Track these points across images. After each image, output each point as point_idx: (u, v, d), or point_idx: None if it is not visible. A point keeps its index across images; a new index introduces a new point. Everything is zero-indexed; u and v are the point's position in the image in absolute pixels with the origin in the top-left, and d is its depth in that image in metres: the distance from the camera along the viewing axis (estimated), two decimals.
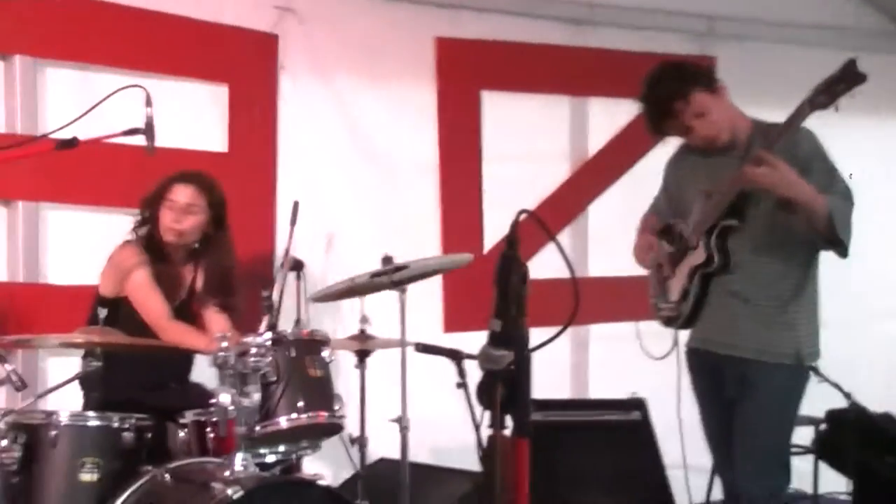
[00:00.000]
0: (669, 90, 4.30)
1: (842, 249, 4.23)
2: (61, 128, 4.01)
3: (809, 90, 4.05)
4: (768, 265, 4.32)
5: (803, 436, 6.31)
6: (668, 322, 4.62)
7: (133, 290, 4.90)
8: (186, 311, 5.05)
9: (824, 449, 6.24)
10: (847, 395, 5.92)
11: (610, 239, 6.99)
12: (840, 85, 3.97)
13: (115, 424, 4.23)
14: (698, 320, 4.46)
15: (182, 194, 4.96)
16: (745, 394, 4.32)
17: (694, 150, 4.51)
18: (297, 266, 5.43)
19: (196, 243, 5.07)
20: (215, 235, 5.07)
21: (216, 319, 5.03)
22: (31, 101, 5.49)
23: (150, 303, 4.89)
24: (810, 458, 6.23)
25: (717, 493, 6.08)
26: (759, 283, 4.31)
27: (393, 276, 4.89)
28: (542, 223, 2.98)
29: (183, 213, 4.95)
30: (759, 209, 4.26)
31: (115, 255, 4.98)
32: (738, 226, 4.28)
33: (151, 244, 4.99)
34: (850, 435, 6.03)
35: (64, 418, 4.19)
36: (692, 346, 4.56)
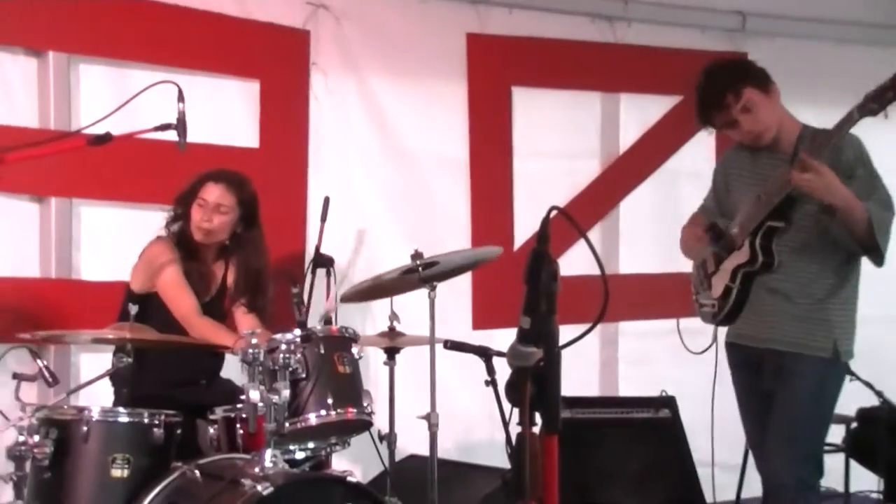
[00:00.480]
0: (723, 82, 4.41)
1: (878, 256, 4.31)
2: (94, 124, 4.04)
3: (861, 96, 4.12)
4: (808, 265, 4.40)
5: (834, 434, 6.28)
6: (709, 318, 4.71)
7: (163, 286, 4.92)
8: (217, 308, 5.06)
9: (855, 447, 6.21)
10: (879, 394, 5.90)
11: (640, 236, 7.01)
12: (890, 92, 4.02)
13: (146, 420, 4.24)
14: (739, 317, 4.55)
15: (212, 193, 4.97)
16: (782, 385, 4.40)
17: (742, 151, 4.61)
18: (327, 262, 5.44)
19: (227, 241, 5.08)
20: (246, 234, 5.08)
21: (244, 319, 5.04)
22: (65, 97, 5.52)
23: (180, 298, 4.91)
24: (841, 456, 6.20)
25: (748, 490, 6.11)
26: (799, 282, 4.40)
27: (423, 273, 4.88)
28: (573, 220, 2.96)
29: (212, 212, 4.97)
30: (803, 212, 4.35)
31: (146, 251, 5.01)
32: (783, 227, 4.38)
33: (183, 240, 5.01)
34: (881, 433, 6.00)
35: (95, 414, 4.20)
36: (732, 340, 4.66)
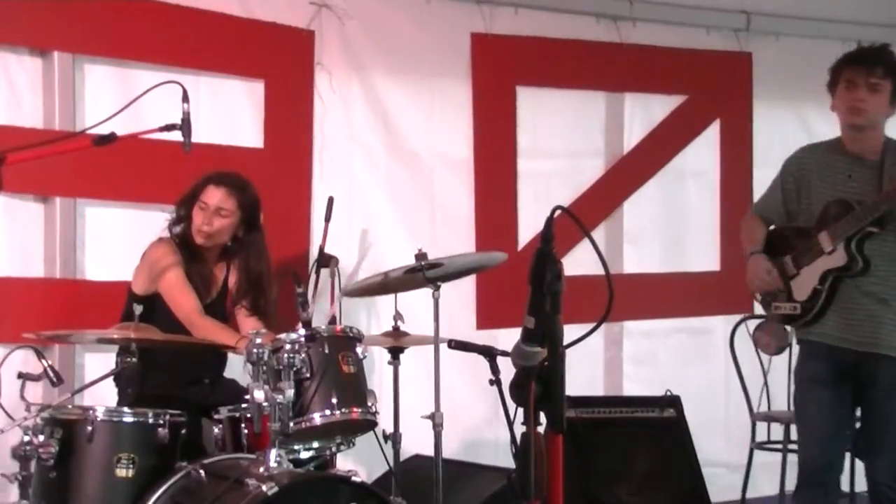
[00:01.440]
0: (888, 59, 4.57)
1: None
2: (99, 124, 4.02)
3: None
4: None
5: None
6: (788, 320, 4.81)
7: (165, 288, 4.91)
8: (219, 310, 5.05)
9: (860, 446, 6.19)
10: None
11: (645, 235, 7.01)
12: None
13: (151, 420, 4.25)
14: (823, 318, 4.62)
15: (213, 196, 4.96)
16: (883, 394, 4.54)
17: (813, 152, 4.77)
18: (331, 262, 5.44)
19: (228, 243, 5.08)
20: (247, 238, 5.07)
21: (246, 322, 5.03)
22: (69, 97, 5.52)
23: (182, 299, 4.90)
24: (847, 455, 6.18)
25: (753, 490, 6.12)
26: (893, 286, 4.53)
27: (426, 273, 4.88)
28: (577, 220, 2.96)
29: (213, 216, 4.96)
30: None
31: (148, 253, 5.00)
32: (878, 233, 4.48)
33: (185, 242, 5.00)
34: None
35: (100, 414, 4.21)
36: (813, 339, 4.69)
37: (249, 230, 5.07)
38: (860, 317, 4.54)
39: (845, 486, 6.29)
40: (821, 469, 4.67)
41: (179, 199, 5.05)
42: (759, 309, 6.90)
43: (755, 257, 4.80)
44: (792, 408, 6.42)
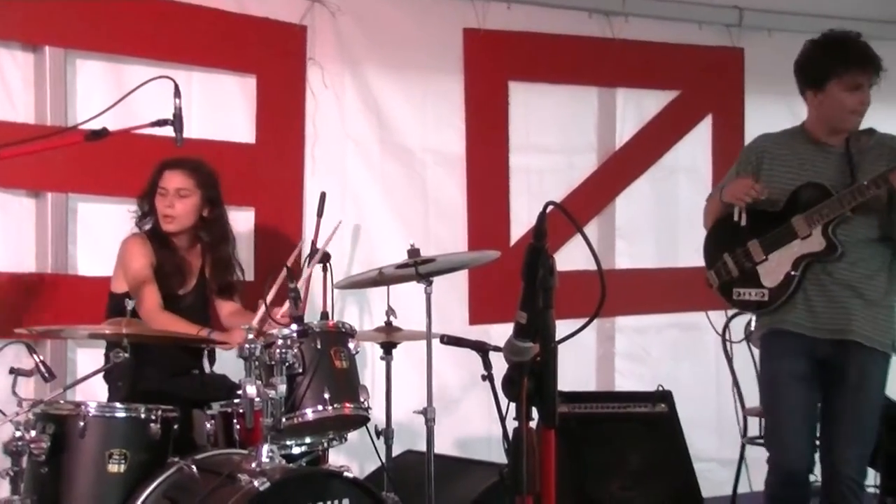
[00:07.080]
0: (875, 54, 4.49)
1: None
2: (90, 119, 4.02)
3: None
4: (873, 258, 4.49)
5: None
6: (753, 306, 4.74)
7: (130, 284, 4.91)
8: (198, 299, 5.06)
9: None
10: None
11: (637, 231, 7.01)
12: None
13: (142, 416, 4.24)
14: (791, 306, 4.55)
15: (170, 180, 4.97)
16: (853, 381, 4.44)
17: (781, 136, 4.69)
18: (324, 258, 5.44)
19: (199, 230, 5.07)
20: (212, 217, 5.06)
21: (221, 306, 5.06)
22: (61, 92, 5.50)
23: (143, 295, 4.85)
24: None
25: (744, 485, 6.12)
26: (864, 274, 4.47)
27: (419, 269, 4.89)
28: (569, 215, 2.96)
29: (174, 198, 4.96)
30: (868, 207, 4.41)
31: (119, 251, 5.01)
32: (849, 217, 4.43)
33: (156, 235, 5.00)
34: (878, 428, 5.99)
35: (92, 409, 4.21)
36: (783, 328, 4.60)
37: (213, 208, 5.06)
38: (831, 304, 4.49)
39: None
40: (801, 471, 4.56)
41: (140, 195, 5.05)
42: None
43: (738, 178, 4.71)
44: None
